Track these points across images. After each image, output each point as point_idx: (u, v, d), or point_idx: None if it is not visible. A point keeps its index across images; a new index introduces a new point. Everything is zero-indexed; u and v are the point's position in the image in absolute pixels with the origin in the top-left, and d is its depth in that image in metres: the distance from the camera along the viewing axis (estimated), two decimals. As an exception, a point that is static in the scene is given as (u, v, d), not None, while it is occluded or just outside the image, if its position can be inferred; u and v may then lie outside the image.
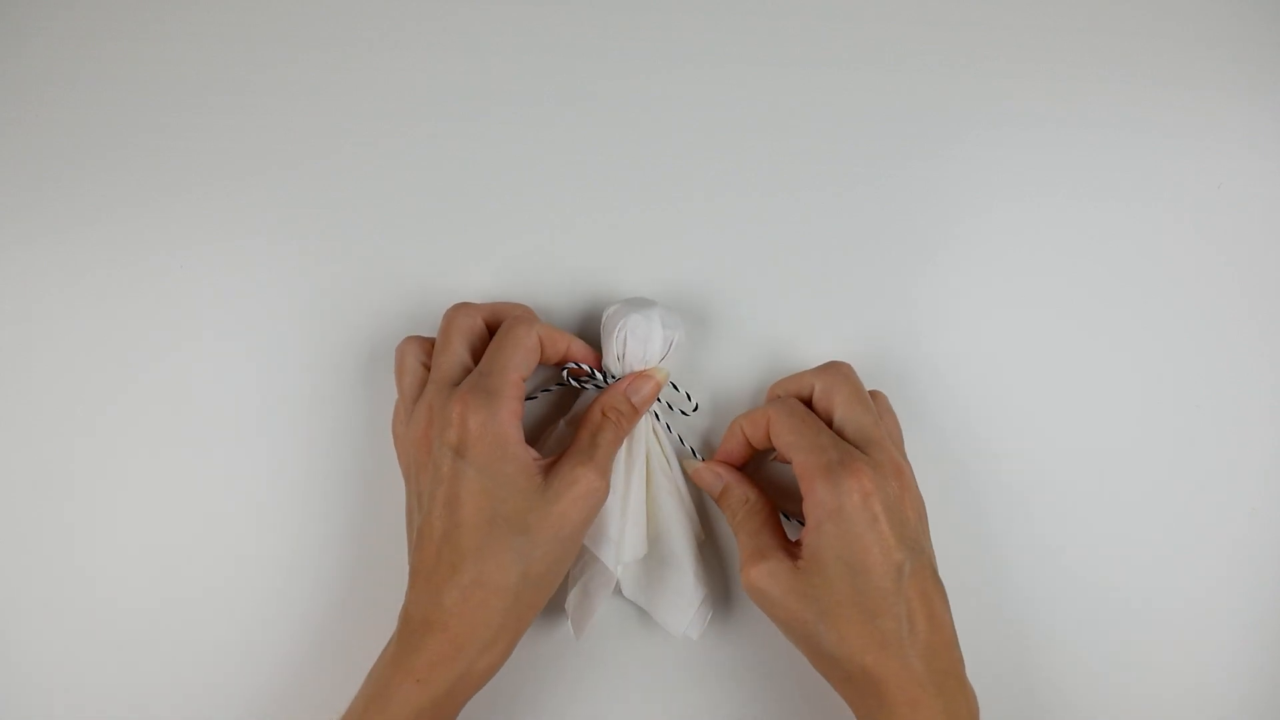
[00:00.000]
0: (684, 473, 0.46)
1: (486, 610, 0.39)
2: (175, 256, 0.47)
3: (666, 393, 0.45)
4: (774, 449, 0.44)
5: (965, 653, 0.41)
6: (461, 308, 0.44)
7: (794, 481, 0.46)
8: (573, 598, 0.44)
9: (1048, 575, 0.48)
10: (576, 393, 0.46)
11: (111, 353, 0.47)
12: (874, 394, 0.45)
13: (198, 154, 0.48)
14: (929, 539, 0.42)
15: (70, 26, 0.48)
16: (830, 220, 0.49)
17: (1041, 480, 0.48)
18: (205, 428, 0.47)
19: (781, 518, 0.44)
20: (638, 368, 0.44)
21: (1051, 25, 0.51)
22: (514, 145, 0.49)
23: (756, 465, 0.47)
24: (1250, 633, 0.48)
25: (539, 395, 0.46)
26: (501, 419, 0.39)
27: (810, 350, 0.48)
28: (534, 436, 0.46)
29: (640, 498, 0.44)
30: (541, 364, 0.44)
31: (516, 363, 0.41)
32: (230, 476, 0.46)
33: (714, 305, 0.48)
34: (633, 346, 0.43)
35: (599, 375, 0.44)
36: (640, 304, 0.44)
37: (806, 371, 0.44)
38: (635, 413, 0.43)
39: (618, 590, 0.45)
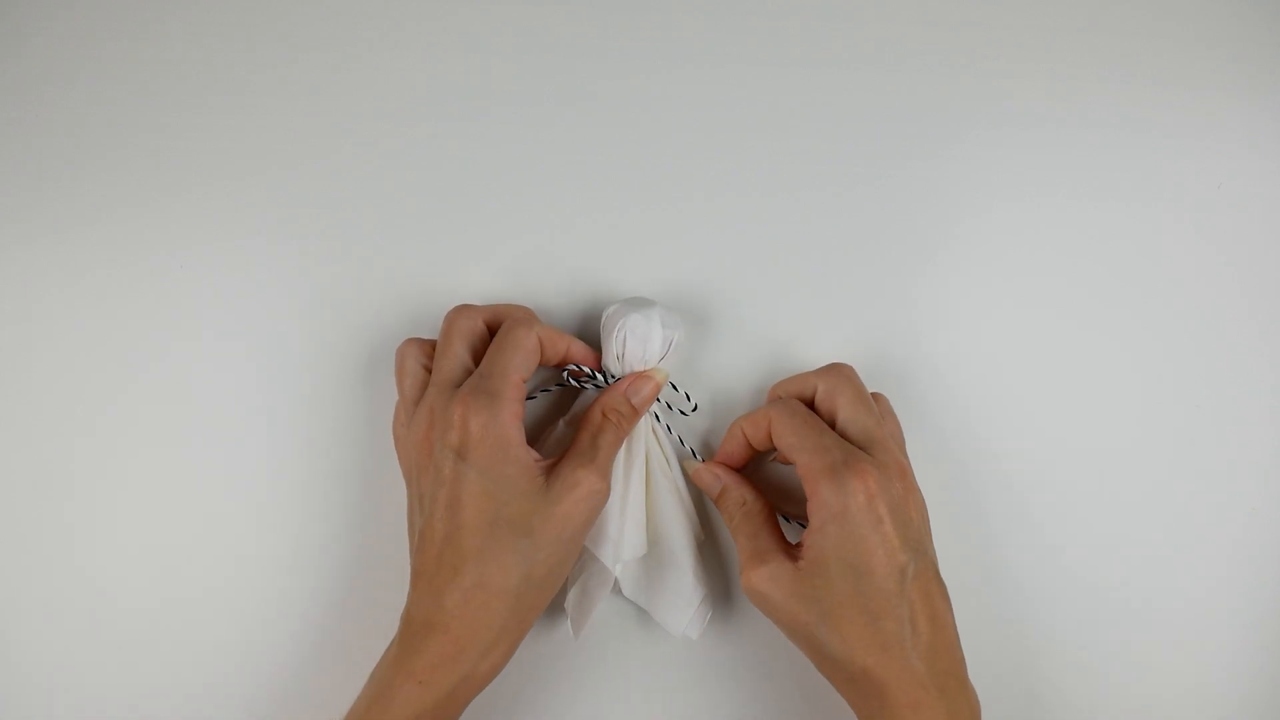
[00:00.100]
0: (684, 473, 0.46)
1: (488, 612, 0.39)
2: (175, 256, 0.47)
3: (666, 393, 0.45)
4: (774, 450, 0.44)
5: (966, 652, 0.41)
6: (462, 310, 0.44)
7: (793, 483, 0.46)
8: (572, 597, 0.44)
9: (1048, 575, 0.48)
10: (576, 393, 0.46)
11: (111, 353, 0.47)
12: (875, 396, 0.45)
13: (198, 154, 0.48)
14: (931, 540, 0.42)
15: (70, 26, 0.48)
16: (830, 220, 0.49)
17: (1041, 480, 0.48)
18: (205, 428, 0.47)
19: (780, 520, 0.44)
20: (637, 367, 0.44)
21: (1051, 25, 0.51)
22: (514, 145, 0.49)
23: (755, 467, 0.47)
24: (1250, 633, 0.48)
25: (538, 395, 0.46)
26: (503, 420, 0.39)
27: (810, 350, 0.48)
28: (534, 437, 0.46)
29: (640, 497, 0.44)
30: (542, 365, 0.44)
31: (517, 364, 0.41)
32: (230, 476, 0.46)
33: (714, 305, 0.48)
34: (632, 346, 0.43)
35: (599, 376, 0.44)
36: (640, 304, 0.44)
37: (808, 373, 0.44)
38: (635, 413, 0.43)
39: (617, 589, 0.45)
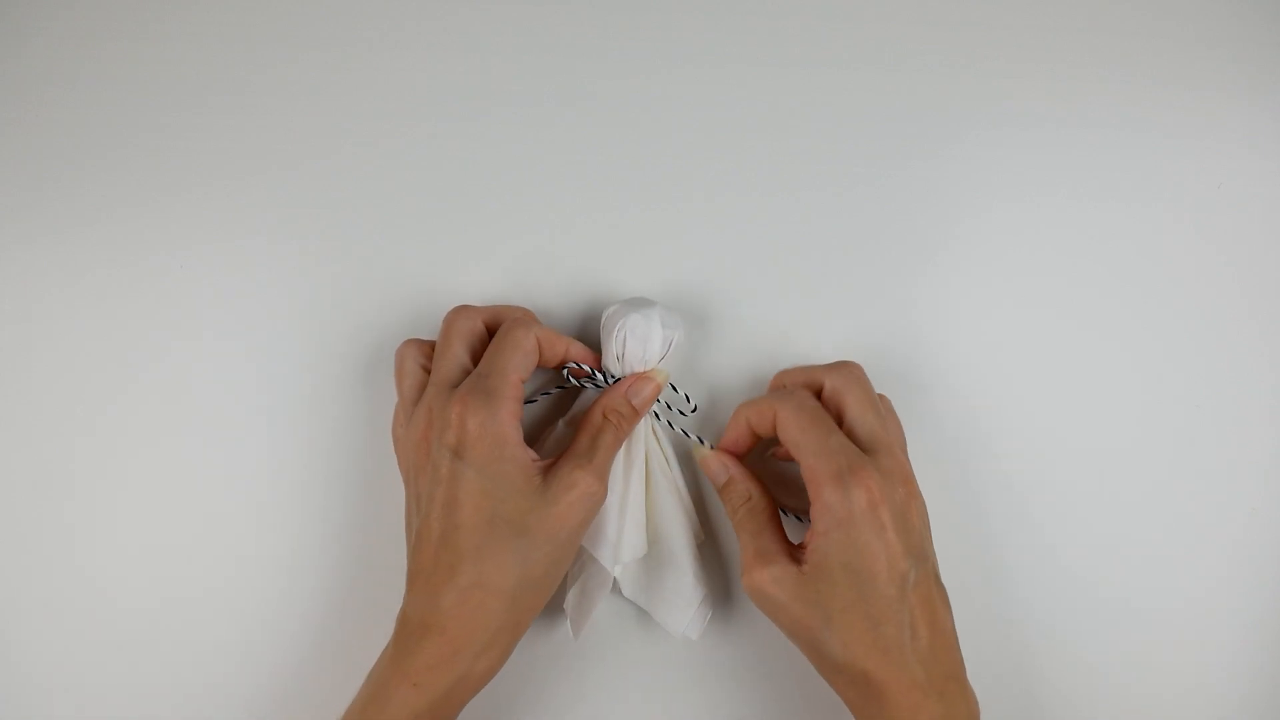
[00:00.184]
0: (685, 464, 0.46)
1: (484, 612, 0.39)
2: (175, 256, 0.47)
3: (665, 393, 0.45)
4: (775, 440, 0.44)
5: (966, 652, 0.41)
6: (461, 310, 0.44)
7: (794, 476, 0.46)
8: (571, 597, 0.44)
9: (1048, 575, 0.48)
10: (576, 393, 0.46)
11: (111, 353, 0.47)
12: (879, 397, 0.44)
13: (198, 154, 0.48)
14: (932, 543, 0.42)
15: (70, 26, 0.48)
16: (830, 220, 0.49)
17: (1041, 480, 0.48)
18: (205, 428, 0.47)
19: (781, 513, 0.44)
20: (637, 368, 0.44)
21: (1051, 25, 0.51)
22: (514, 145, 0.49)
23: (758, 456, 0.47)
24: (1250, 633, 0.48)
25: (538, 399, 0.46)
26: (501, 420, 0.39)
27: (810, 351, 0.48)
28: (533, 437, 0.46)
29: (639, 498, 0.44)
30: (541, 367, 0.43)
31: (515, 364, 0.41)
32: (230, 476, 0.46)
33: (714, 305, 0.48)
34: (632, 346, 0.43)
35: (599, 375, 0.44)
36: (640, 304, 0.44)
37: (817, 366, 0.44)
38: (636, 414, 0.43)
39: (617, 590, 0.45)
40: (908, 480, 0.41)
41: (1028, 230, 0.50)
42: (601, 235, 0.48)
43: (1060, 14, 0.51)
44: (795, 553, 0.41)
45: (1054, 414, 0.49)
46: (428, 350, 0.44)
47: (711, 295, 0.48)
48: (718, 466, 0.44)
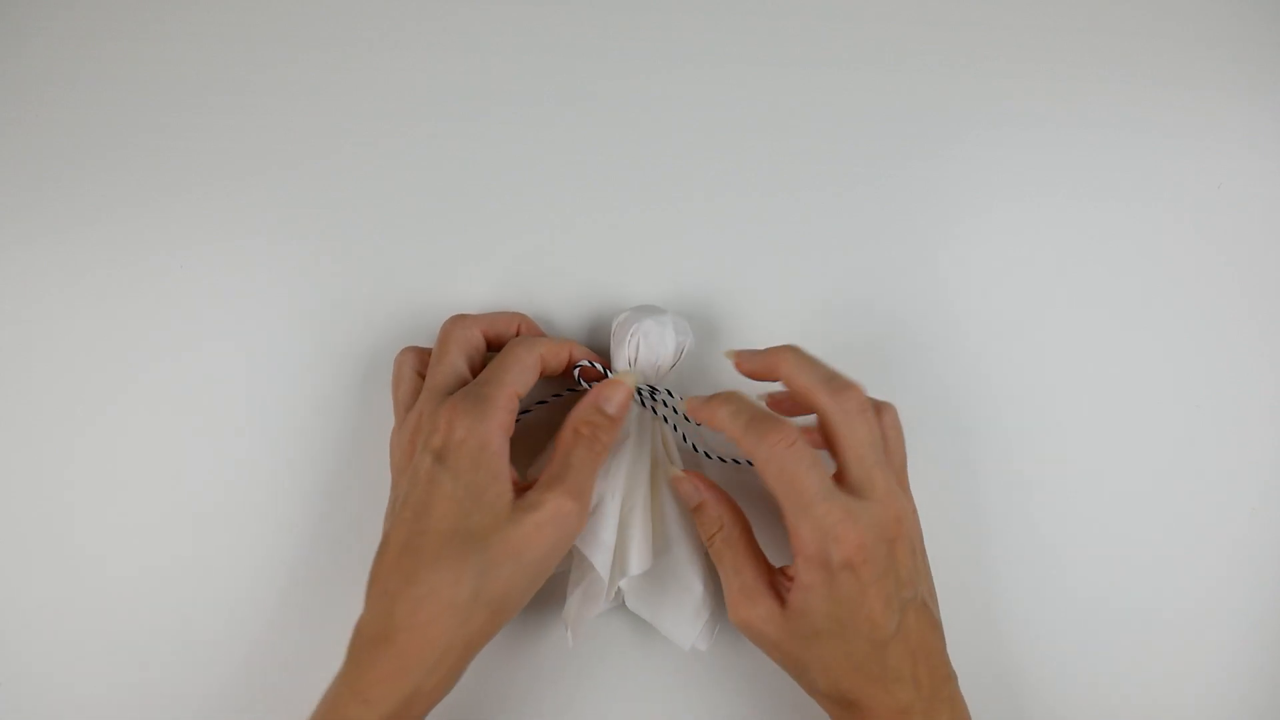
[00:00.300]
0: (666, 478, 0.45)
1: (434, 626, 0.37)
2: (175, 256, 0.47)
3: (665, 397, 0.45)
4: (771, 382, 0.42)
5: (964, 654, 0.41)
6: (458, 320, 0.43)
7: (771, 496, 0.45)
8: (570, 605, 0.44)
9: (1047, 575, 0.48)
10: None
11: (111, 353, 0.47)
12: (882, 407, 0.42)
13: (198, 154, 0.48)
14: (924, 564, 0.41)
15: (70, 26, 0.48)
16: (830, 220, 0.49)
17: (1041, 480, 0.48)
18: (205, 428, 0.46)
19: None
20: (649, 372, 0.44)
21: (1051, 25, 0.51)
22: (514, 145, 0.49)
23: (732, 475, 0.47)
24: (1250, 633, 0.48)
25: (548, 400, 0.46)
26: (488, 427, 0.39)
27: (810, 350, 0.48)
28: (534, 456, 0.46)
29: (645, 507, 0.43)
30: (545, 376, 0.43)
31: (513, 378, 0.41)
32: (231, 477, 0.46)
33: (714, 305, 0.48)
34: (644, 352, 0.43)
35: (610, 375, 0.44)
36: (652, 310, 0.44)
37: (818, 387, 0.40)
38: (613, 422, 0.42)
39: (620, 602, 0.44)
40: (898, 520, 0.39)
41: (1028, 230, 0.50)
42: (601, 235, 0.48)
43: (1060, 14, 0.51)
44: (778, 583, 0.40)
45: (1054, 414, 0.49)
46: (425, 358, 0.44)
47: (712, 295, 0.48)
48: (689, 489, 0.43)
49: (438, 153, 0.48)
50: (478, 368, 0.43)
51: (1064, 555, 0.48)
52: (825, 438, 0.40)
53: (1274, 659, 0.48)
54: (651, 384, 0.44)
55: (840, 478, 0.40)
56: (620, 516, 0.43)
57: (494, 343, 0.44)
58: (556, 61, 0.49)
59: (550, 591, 0.46)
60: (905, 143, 0.50)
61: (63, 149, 0.48)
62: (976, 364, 0.49)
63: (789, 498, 0.38)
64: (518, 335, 0.44)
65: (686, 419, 0.44)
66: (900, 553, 0.39)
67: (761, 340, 0.48)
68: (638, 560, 0.42)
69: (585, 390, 0.44)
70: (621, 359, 0.44)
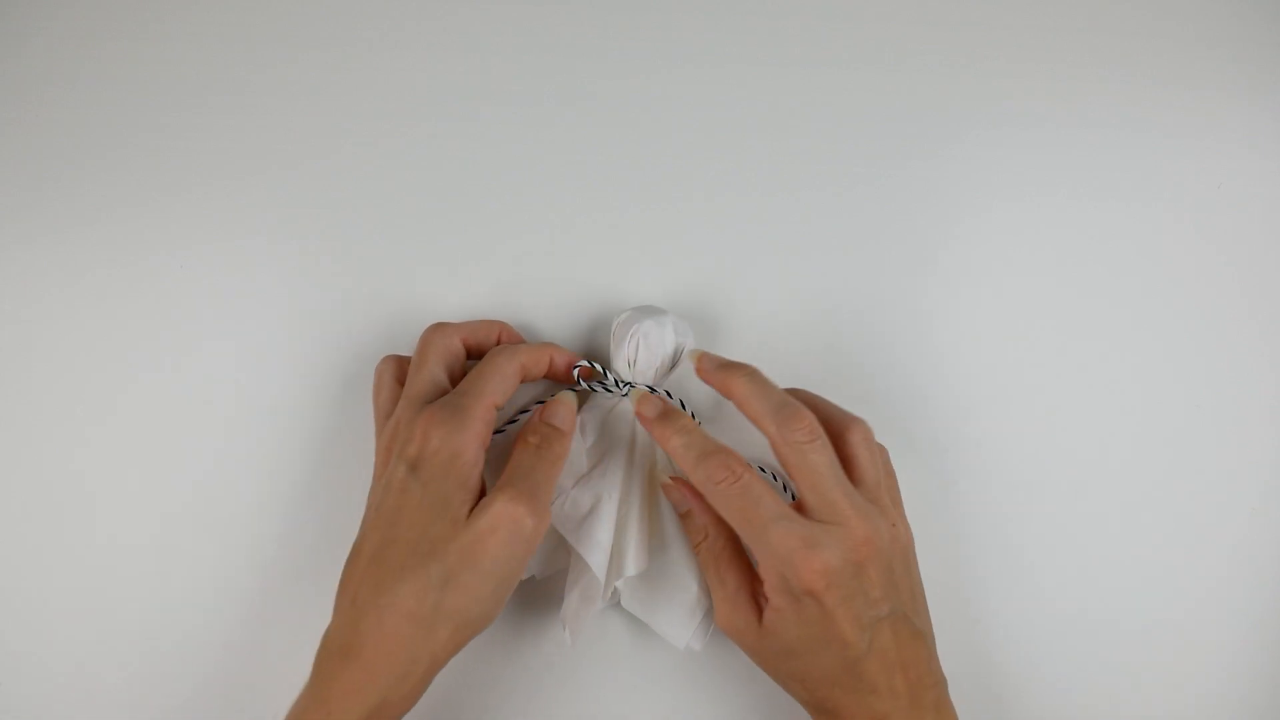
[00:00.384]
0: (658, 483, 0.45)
1: (399, 638, 0.37)
2: (175, 256, 0.47)
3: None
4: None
5: (960, 654, 0.41)
6: (438, 328, 0.43)
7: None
8: (568, 605, 0.43)
9: (1046, 576, 0.48)
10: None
11: (111, 353, 0.47)
12: (849, 427, 0.42)
13: (198, 154, 0.48)
14: (907, 580, 0.40)
15: (70, 26, 0.48)
16: (830, 220, 0.49)
17: (1041, 480, 0.48)
18: (206, 428, 0.46)
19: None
20: (649, 373, 0.44)
21: (1051, 25, 0.51)
22: (514, 145, 0.49)
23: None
24: (1250, 633, 0.48)
25: (508, 427, 0.45)
26: (463, 438, 0.39)
27: (810, 350, 0.48)
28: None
29: (640, 508, 0.43)
30: (527, 381, 0.43)
31: (492, 388, 0.41)
32: (231, 476, 0.46)
33: (714, 305, 0.48)
34: (644, 353, 0.43)
35: (610, 377, 0.44)
36: (652, 311, 0.44)
37: (766, 418, 0.40)
38: (561, 433, 0.42)
39: (616, 600, 0.44)
40: (867, 542, 0.38)
41: (1028, 230, 0.50)
42: (601, 235, 0.48)
43: (1060, 14, 0.51)
44: (759, 593, 0.41)
45: (1054, 413, 0.49)
46: (405, 366, 0.44)
47: (712, 295, 0.48)
48: (677, 497, 0.43)
49: (438, 153, 0.48)
50: (457, 376, 0.43)
51: (1064, 555, 0.48)
52: (781, 465, 0.41)
53: (1274, 659, 0.48)
54: (651, 385, 0.44)
55: (800, 505, 0.40)
56: (618, 517, 0.43)
57: (474, 351, 0.44)
58: (556, 61, 0.49)
59: (548, 591, 0.46)
60: (905, 143, 0.50)
61: (63, 149, 0.48)
62: (976, 363, 0.49)
63: (742, 529, 0.40)
64: (498, 343, 0.45)
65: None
66: (871, 573, 0.39)
67: (761, 340, 0.48)
68: (634, 560, 0.42)
69: (585, 390, 0.45)
70: (621, 360, 0.44)
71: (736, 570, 0.41)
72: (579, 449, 0.44)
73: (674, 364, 0.44)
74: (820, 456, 0.39)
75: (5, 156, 0.47)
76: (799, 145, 0.49)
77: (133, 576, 0.46)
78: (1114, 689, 0.47)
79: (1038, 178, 0.50)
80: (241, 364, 0.47)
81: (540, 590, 0.46)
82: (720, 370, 0.42)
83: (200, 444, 0.46)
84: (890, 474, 0.43)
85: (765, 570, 0.40)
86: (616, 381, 0.44)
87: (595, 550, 0.42)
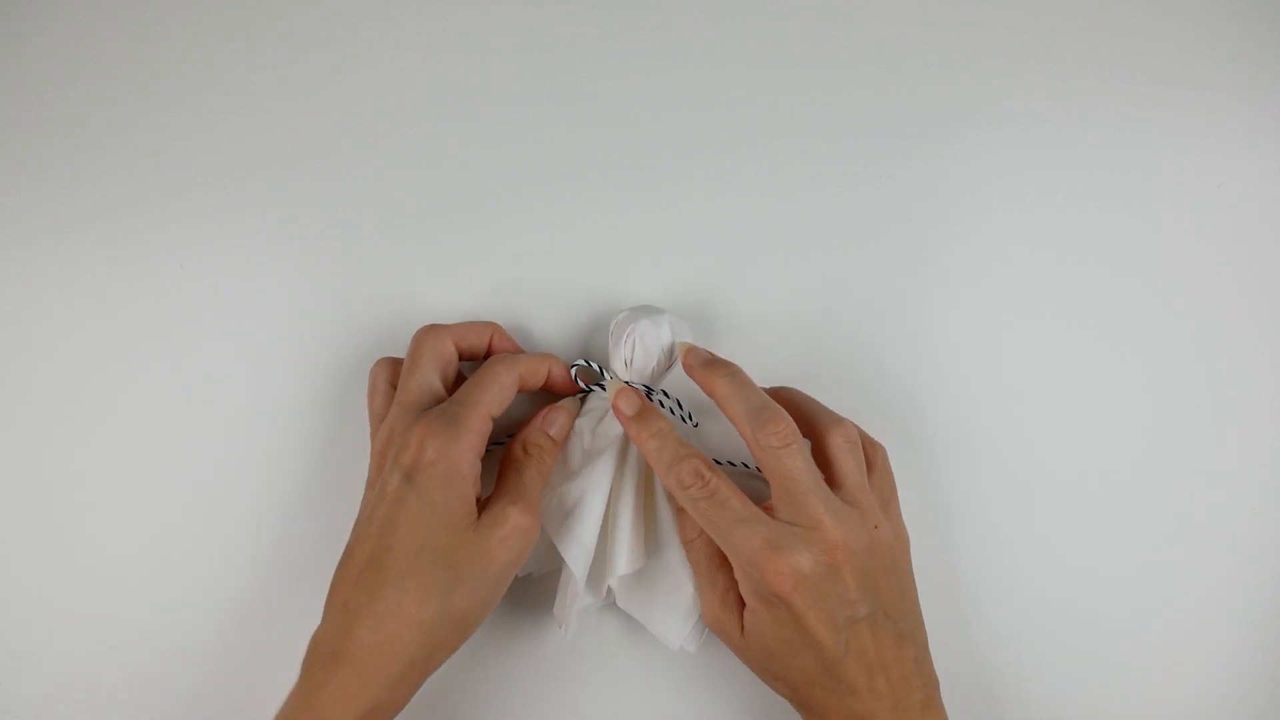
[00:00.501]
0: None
1: (397, 644, 0.37)
2: (175, 256, 0.47)
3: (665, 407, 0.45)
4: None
5: (958, 655, 0.41)
6: (429, 330, 0.43)
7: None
8: (560, 600, 0.43)
9: (1046, 576, 0.48)
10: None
11: (111, 353, 0.47)
12: (872, 453, 0.43)
13: (198, 154, 0.48)
14: (890, 582, 0.40)
15: (70, 26, 0.48)
16: (830, 220, 0.49)
17: (1041, 480, 0.48)
18: (206, 428, 0.47)
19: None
20: (645, 372, 0.44)
21: (1051, 25, 0.51)
22: (514, 145, 0.49)
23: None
24: (1250, 633, 0.48)
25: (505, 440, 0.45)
26: (459, 449, 0.39)
27: (810, 351, 0.48)
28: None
29: (631, 508, 0.43)
30: (525, 391, 0.43)
31: (489, 398, 0.41)
32: (231, 477, 0.46)
33: (714, 305, 0.48)
34: (640, 353, 0.43)
35: (608, 376, 0.44)
36: (649, 310, 0.44)
37: (743, 420, 0.40)
38: (555, 445, 0.43)
39: (610, 600, 0.44)
40: (843, 544, 0.38)
41: (1028, 230, 0.50)
42: (601, 235, 0.48)
43: (1060, 14, 0.51)
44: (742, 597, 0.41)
45: (1054, 413, 0.49)
46: (399, 369, 0.44)
47: (712, 295, 0.48)
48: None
49: (438, 153, 0.48)
50: (449, 379, 0.43)
51: (1063, 555, 0.48)
52: (758, 467, 0.41)
53: (1274, 659, 0.48)
54: (648, 384, 0.44)
55: (771, 508, 0.40)
56: (608, 516, 0.43)
57: (465, 353, 0.44)
58: (556, 61, 0.49)
59: (546, 591, 0.46)
60: (905, 143, 0.50)
61: (63, 149, 0.48)
62: (976, 363, 0.49)
63: (712, 533, 0.40)
64: (490, 345, 0.45)
65: (685, 420, 0.44)
66: (846, 576, 0.38)
67: (761, 339, 0.48)
68: (628, 560, 0.42)
69: (585, 391, 0.45)
70: (618, 359, 0.44)
71: (727, 571, 0.41)
72: (573, 446, 0.44)
73: (671, 363, 0.44)
74: (795, 461, 0.39)
75: (5, 156, 0.47)
76: (799, 145, 0.49)
77: (133, 576, 0.46)
78: (1114, 689, 0.47)
79: (1038, 178, 0.50)
80: (241, 364, 0.47)
81: (536, 591, 0.46)
82: (705, 367, 0.42)
83: (200, 444, 0.46)
84: (887, 474, 0.43)
85: (738, 573, 0.40)
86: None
87: (575, 548, 0.42)
